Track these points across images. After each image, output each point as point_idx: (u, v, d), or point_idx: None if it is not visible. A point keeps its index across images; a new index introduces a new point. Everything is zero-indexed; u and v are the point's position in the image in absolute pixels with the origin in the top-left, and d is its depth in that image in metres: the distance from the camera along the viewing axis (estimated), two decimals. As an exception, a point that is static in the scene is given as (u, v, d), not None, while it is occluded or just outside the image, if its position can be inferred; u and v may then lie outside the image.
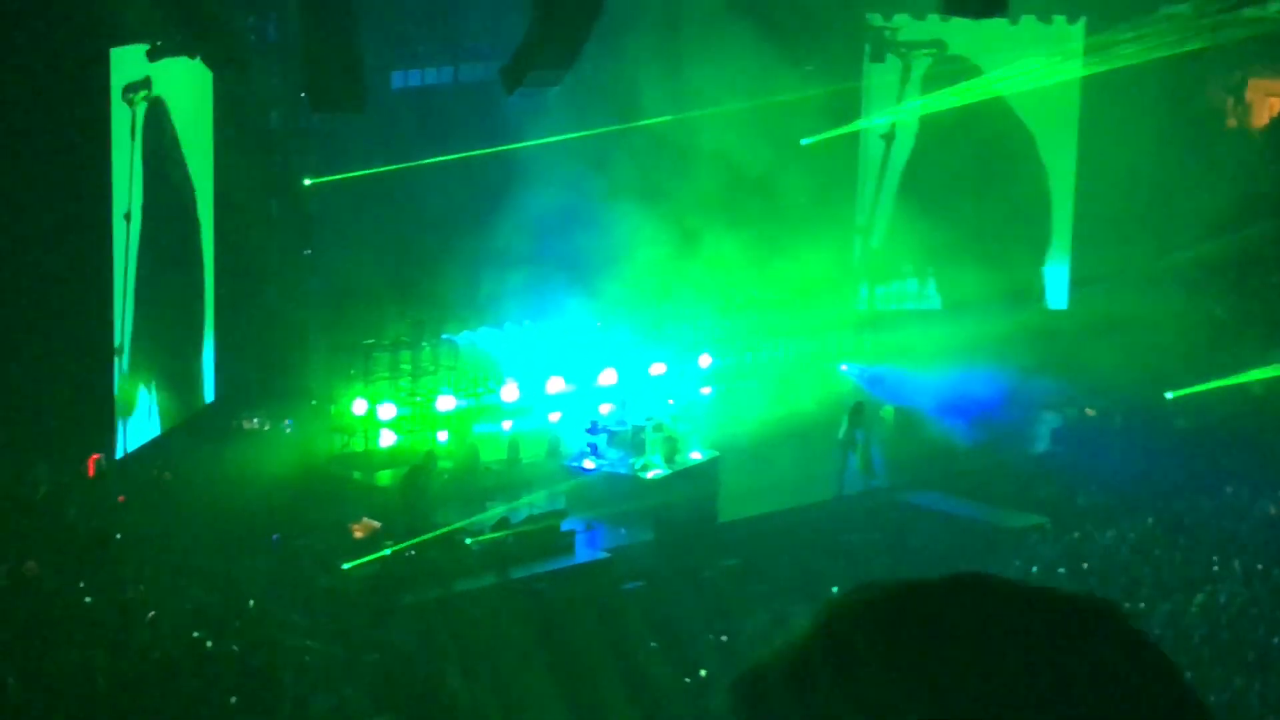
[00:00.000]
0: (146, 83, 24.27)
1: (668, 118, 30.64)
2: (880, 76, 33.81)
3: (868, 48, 33.26)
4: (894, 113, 34.09)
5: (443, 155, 29.18)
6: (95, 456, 23.54)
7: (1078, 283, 34.41)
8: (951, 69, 33.67)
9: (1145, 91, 32.92)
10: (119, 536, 20.81)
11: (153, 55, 23.26)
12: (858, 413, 29.18)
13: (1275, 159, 35.47)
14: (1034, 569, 23.88)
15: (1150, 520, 25.64)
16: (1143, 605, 21.81)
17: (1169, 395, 31.21)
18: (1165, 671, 1.99)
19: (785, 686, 2.11)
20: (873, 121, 34.17)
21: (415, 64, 28.27)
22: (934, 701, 2.00)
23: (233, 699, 16.94)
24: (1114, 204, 33.61)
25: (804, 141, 32.37)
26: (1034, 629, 2.03)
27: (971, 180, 34.45)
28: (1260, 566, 23.15)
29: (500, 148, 29.35)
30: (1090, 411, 31.57)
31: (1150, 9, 31.86)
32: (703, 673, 20.39)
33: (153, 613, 18.66)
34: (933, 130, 34.36)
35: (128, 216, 23.96)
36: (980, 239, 34.04)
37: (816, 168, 32.74)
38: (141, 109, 24.28)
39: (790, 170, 32.26)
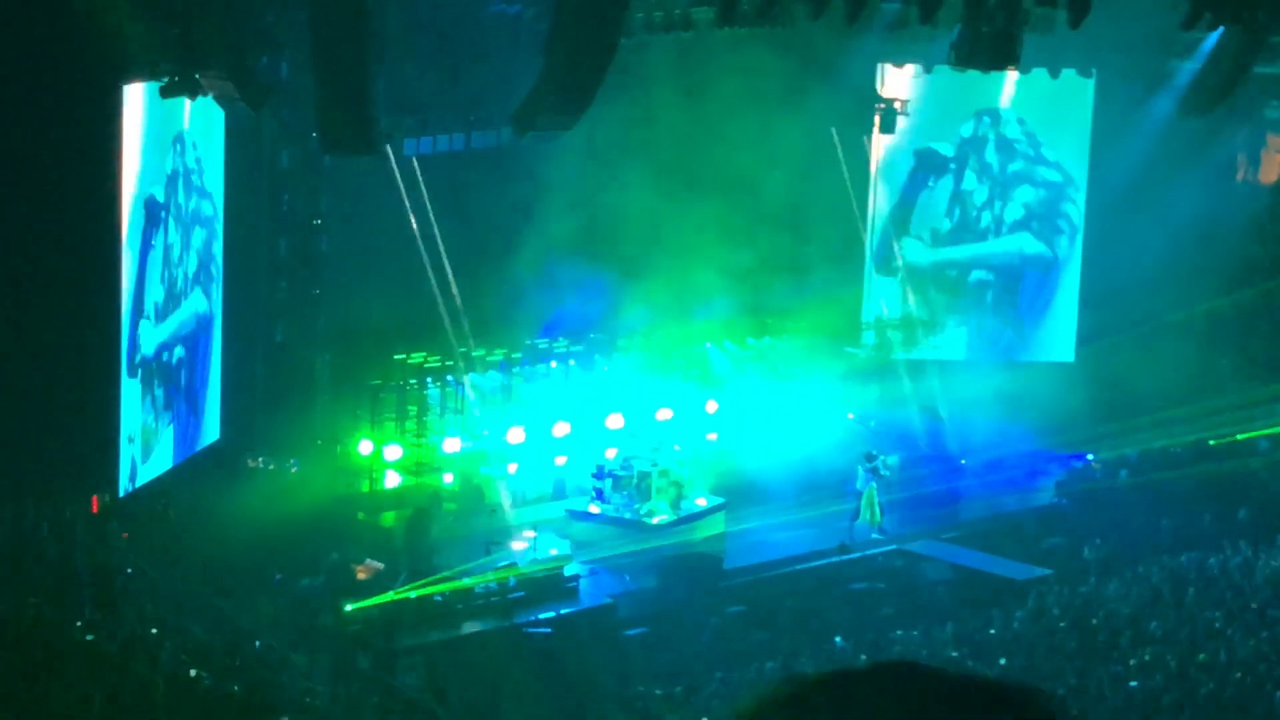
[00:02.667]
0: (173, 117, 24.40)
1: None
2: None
3: (877, 119, 33.36)
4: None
5: (454, 204, 29.29)
6: (98, 496, 23.47)
7: (1085, 336, 34.37)
8: None
9: (1155, 146, 32.93)
10: (129, 571, 20.73)
11: (165, 93, 23.29)
12: (868, 461, 29.13)
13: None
14: (1040, 620, 23.79)
15: (1156, 574, 25.53)
16: (1148, 658, 21.71)
17: (1175, 447, 31.16)
18: None
19: None
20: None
21: (427, 131, 28.40)
22: None
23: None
24: (1122, 258, 33.59)
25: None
26: (957, 716, 2.02)
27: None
28: (1264, 621, 23.04)
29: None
30: (1095, 464, 31.50)
31: (1161, 63, 31.93)
32: (705, 719, 20.33)
33: (152, 638, 18.58)
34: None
35: (139, 250, 23.96)
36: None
37: (829, 212, 32.96)
38: (158, 142, 24.34)
39: (800, 215, 32.46)
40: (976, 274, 34.87)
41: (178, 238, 25.45)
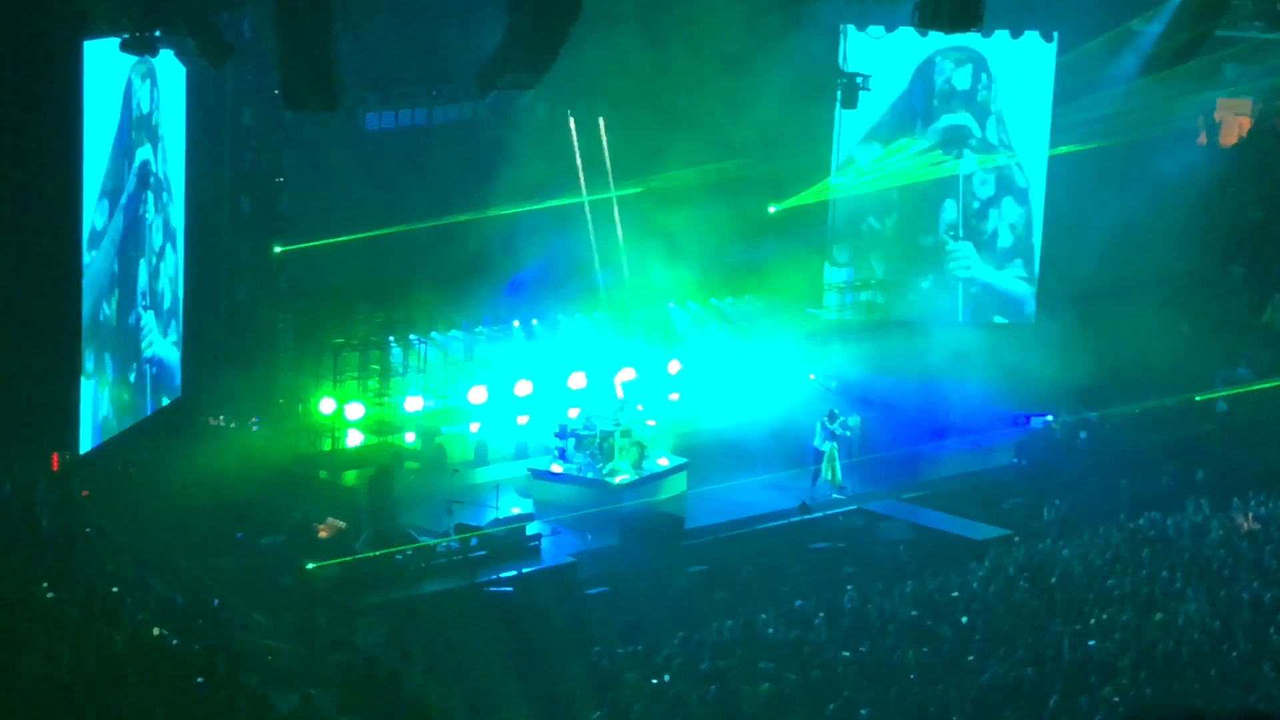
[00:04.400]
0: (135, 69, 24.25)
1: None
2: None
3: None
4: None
5: (416, 162, 29.24)
6: (58, 454, 23.38)
7: (1045, 296, 34.52)
8: None
9: (1115, 109, 33.03)
10: (90, 530, 20.69)
11: (126, 48, 23.13)
12: (830, 421, 29.23)
13: (1240, 179, 35.68)
14: (998, 579, 23.92)
15: (1115, 535, 25.70)
16: (1105, 617, 21.87)
17: (1134, 409, 31.35)
18: None
19: None
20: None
21: (389, 105, 28.33)
22: None
23: (195, 698, 16.86)
24: (1083, 219, 33.74)
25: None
26: None
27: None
28: (1221, 580, 23.24)
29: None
30: (1055, 425, 31.67)
31: (1123, 26, 32.00)
32: (666, 677, 20.38)
33: (113, 598, 18.57)
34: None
35: (101, 207, 23.84)
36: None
37: (787, 180, 33.06)
38: (120, 97, 24.20)
39: (763, 176, 32.54)
40: (939, 236, 34.99)
41: (139, 195, 25.31)
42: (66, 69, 22.47)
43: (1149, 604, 22.42)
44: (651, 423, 29.57)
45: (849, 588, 24.03)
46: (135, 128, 24.87)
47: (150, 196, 25.63)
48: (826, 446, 29.16)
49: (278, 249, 28.47)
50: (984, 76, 34.27)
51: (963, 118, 34.45)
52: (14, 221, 22.70)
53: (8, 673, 15.59)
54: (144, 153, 25.35)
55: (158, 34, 23.08)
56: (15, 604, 17.14)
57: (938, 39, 32.19)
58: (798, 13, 31.16)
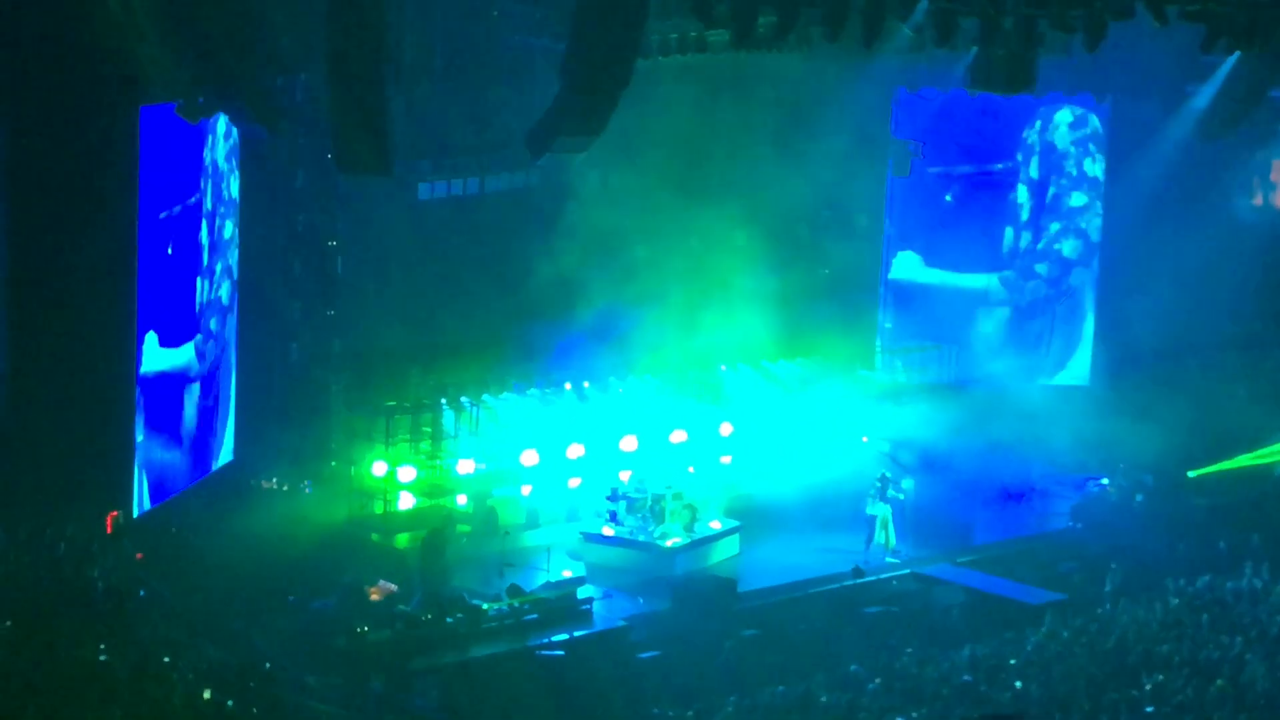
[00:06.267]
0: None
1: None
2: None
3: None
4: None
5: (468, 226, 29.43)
6: (113, 514, 23.46)
7: (1099, 360, 34.33)
8: None
9: (1169, 170, 32.94)
10: (143, 592, 20.72)
11: (181, 113, 23.34)
12: (883, 484, 29.10)
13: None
14: (1052, 646, 23.72)
15: (1173, 599, 25.46)
16: (1160, 678, 21.64)
17: (1190, 474, 31.12)
18: None
19: None
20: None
21: (441, 175, 28.51)
22: None
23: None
24: (1138, 281, 33.58)
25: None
26: None
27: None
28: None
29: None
30: (1110, 488, 31.44)
31: (1176, 88, 31.94)
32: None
33: (166, 660, 18.58)
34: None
35: (158, 274, 24.00)
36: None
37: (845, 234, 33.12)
38: (176, 164, 24.42)
39: (814, 243, 32.61)
40: (990, 298, 34.90)
41: (195, 259, 25.48)
42: (124, 134, 22.67)
43: (1208, 669, 22.16)
44: (691, 469, 29.49)
45: (908, 650, 23.85)
46: (193, 191, 25.06)
47: (206, 260, 25.78)
48: (880, 510, 29.01)
49: (330, 311, 28.57)
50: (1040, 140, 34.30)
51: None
52: (71, 287, 22.86)
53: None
54: (200, 216, 25.53)
55: (214, 99, 23.31)
56: (69, 664, 17.17)
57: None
58: (853, 73, 31.15)
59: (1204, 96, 31.27)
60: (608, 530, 28.57)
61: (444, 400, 29.58)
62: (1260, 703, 21.09)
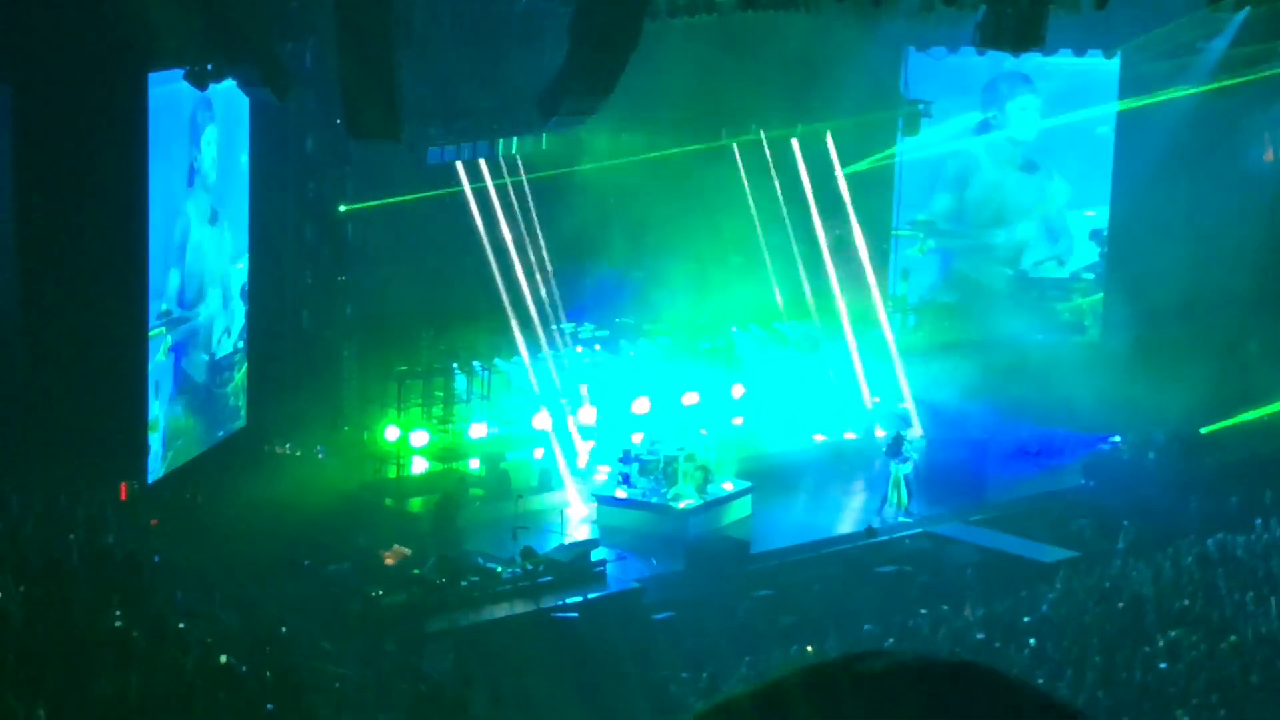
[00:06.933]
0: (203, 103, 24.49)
1: (702, 145, 30.79)
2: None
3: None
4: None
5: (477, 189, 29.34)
6: (127, 482, 23.53)
7: (1111, 315, 34.27)
8: None
9: (1180, 126, 32.79)
10: (156, 559, 20.80)
11: (190, 79, 23.33)
12: (895, 444, 29.10)
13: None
14: (1065, 604, 23.75)
15: (1186, 556, 25.46)
16: (1174, 635, 21.66)
17: (1203, 430, 31.09)
18: None
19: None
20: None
21: (450, 139, 28.42)
22: None
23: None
24: (1147, 239, 33.47)
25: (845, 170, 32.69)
26: None
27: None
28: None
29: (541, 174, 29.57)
30: (1123, 445, 31.43)
31: (1187, 44, 31.78)
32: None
33: (182, 626, 18.66)
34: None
35: (168, 235, 24.02)
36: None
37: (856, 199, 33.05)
38: (185, 129, 24.41)
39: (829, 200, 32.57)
40: (998, 256, 34.87)
41: (205, 225, 25.50)
42: (132, 99, 22.67)
43: (1221, 626, 22.19)
44: (703, 431, 29.54)
45: (922, 610, 23.90)
46: (202, 157, 25.06)
47: (216, 227, 25.81)
48: (892, 469, 29.03)
49: (341, 277, 28.59)
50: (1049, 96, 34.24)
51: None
52: (81, 256, 22.89)
53: (78, 699, 15.69)
54: (210, 182, 25.54)
55: (222, 65, 23.29)
56: (85, 630, 17.26)
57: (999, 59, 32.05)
58: (862, 32, 31.04)
59: (1215, 49, 31.14)
60: (620, 493, 28.61)
61: (455, 364, 29.61)
62: (1272, 657, 21.11)
